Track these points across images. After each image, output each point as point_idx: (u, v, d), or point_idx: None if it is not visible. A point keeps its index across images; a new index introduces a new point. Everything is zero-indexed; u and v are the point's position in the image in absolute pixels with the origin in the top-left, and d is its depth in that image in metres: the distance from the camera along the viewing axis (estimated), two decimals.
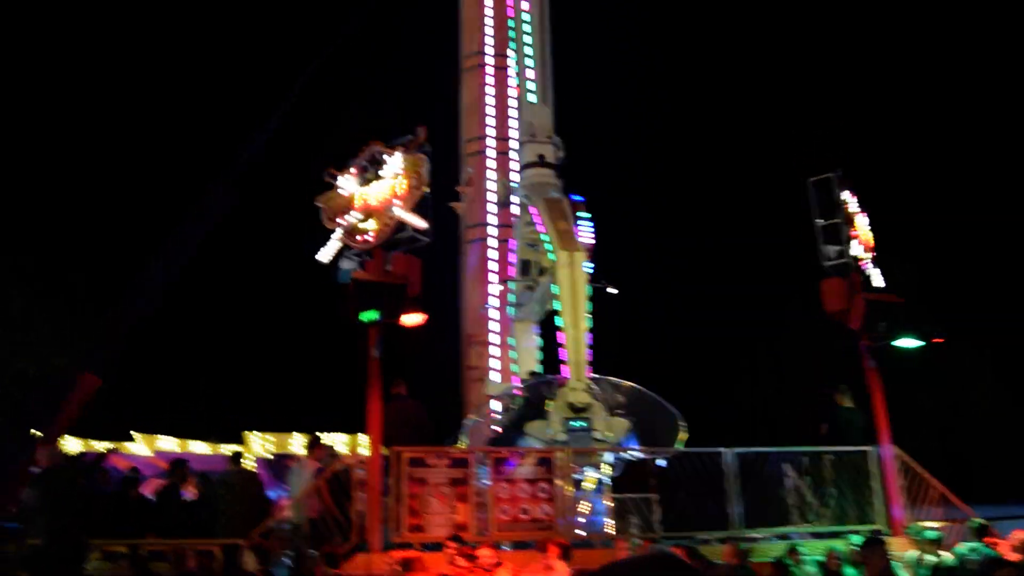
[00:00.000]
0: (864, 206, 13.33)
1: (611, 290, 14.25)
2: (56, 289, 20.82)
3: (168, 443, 21.76)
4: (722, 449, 11.49)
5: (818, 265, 12.61)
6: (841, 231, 12.61)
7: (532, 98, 15.26)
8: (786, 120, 29.50)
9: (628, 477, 11.85)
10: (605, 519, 11.95)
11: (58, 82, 27.05)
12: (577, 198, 14.06)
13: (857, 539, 10.21)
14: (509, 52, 16.10)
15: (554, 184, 14.03)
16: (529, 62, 15.84)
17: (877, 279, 13.02)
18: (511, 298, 15.60)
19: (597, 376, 12.79)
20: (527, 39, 15.95)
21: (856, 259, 12.66)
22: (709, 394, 28.65)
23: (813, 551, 10.06)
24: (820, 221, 12.67)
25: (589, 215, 14.22)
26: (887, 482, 11.73)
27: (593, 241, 13.85)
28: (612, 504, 13.69)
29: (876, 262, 13.16)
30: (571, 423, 11.55)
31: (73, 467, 10.72)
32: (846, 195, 12.95)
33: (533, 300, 14.97)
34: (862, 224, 13.16)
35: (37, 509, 10.32)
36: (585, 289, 12.24)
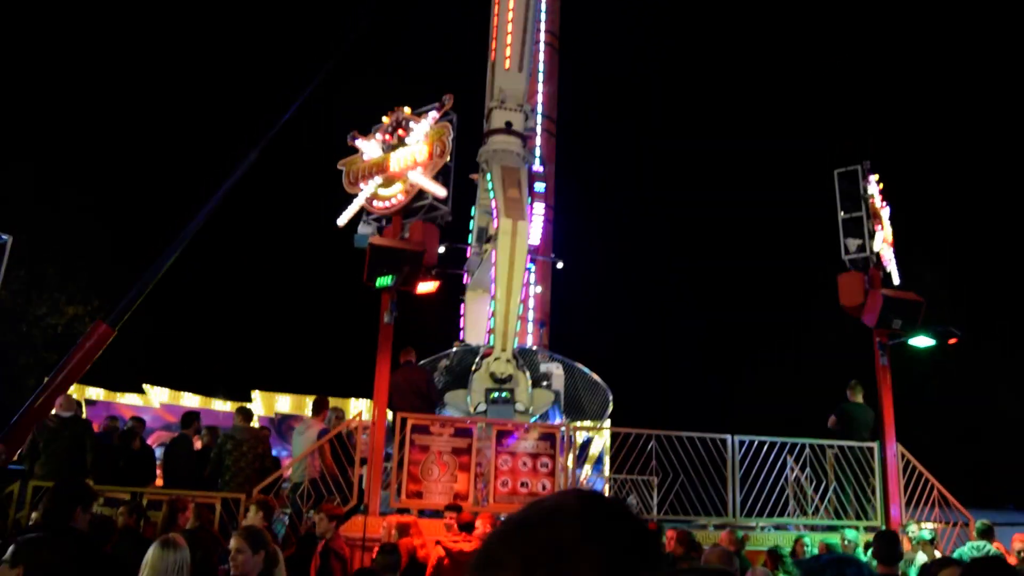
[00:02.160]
0: (892, 200, 13.21)
1: (559, 265, 14.23)
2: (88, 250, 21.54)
3: (170, 396, 21.81)
4: (727, 436, 11.49)
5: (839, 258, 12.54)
6: (864, 224, 12.49)
7: (507, 64, 14.93)
8: (819, 109, 29.32)
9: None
10: None
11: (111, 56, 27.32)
12: (538, 170, 13.94)
13: (852, 534, 10.22)
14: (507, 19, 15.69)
15: (518, 153, 13.78)
16: (508, 27, 15.62)
17: (897, 276, 12.94)
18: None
19: (528, 347, 12.70)
20: (510, 3, 15.75)
21: (877, 254, 12.55)
22: (723, 378, 28.75)
23: (812, 544, 10.06)
24: (843, 213, 12.56)
25: (544, 186, 14.09)
26: (888, 480, 11.70)
27: (542, 214, 13.70)
28: (609, 483, 13.83)
29: (899, 258, 13.08)
30: (492, 394, 11.42)
31: (82, 417, 10.81)
32: (872, 188, 12.82)
33: (484, 268, 14.69)
34: (886, 218, 13.04)
35: (47, 453, 10.48)
36: (523, 260, 11.99)
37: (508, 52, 15.00)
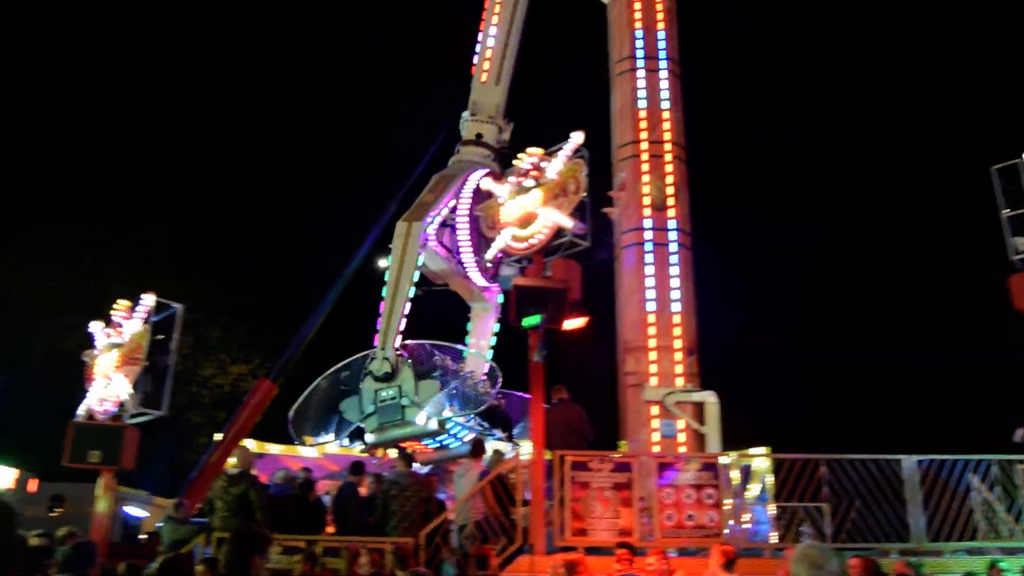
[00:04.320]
0: None
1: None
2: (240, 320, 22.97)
3: (334, 445, 22.57)
4: (902, 456, 10.87)
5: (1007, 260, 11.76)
6: None
7: (484, 77, 14.96)
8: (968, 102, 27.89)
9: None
10: (770, 528, 11.58)
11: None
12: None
13: None
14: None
15: (480, 163, 13.77)
16: (491, 42, 15.49)
17: None
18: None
19: (418, 342, 12.37)
20: (495, 19, 15.60)
21: None
22: (889, 398, 27.33)
23: (1013, 568, 9.34)
24: (1007, 211, 11.80)
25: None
26: None
27: (465, 221, 13.25)
28: (776, 512, 13.31)
29: None
30: (380, 393, 11.45)
31: (249, 472, 11.34)
32: None
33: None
34: None
35: (226, 506, 11.02)
36: (412, 261, 12.13)
37: (487, 66, 15.13)
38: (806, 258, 30.69)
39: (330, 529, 12.21)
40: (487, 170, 13.87)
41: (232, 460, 12.64)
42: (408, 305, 12.11)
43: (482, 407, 11.71)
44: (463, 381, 11.92)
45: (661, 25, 17.42)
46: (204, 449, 24.55)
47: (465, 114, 14.70)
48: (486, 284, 14.06)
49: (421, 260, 12.51)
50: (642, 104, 16.80)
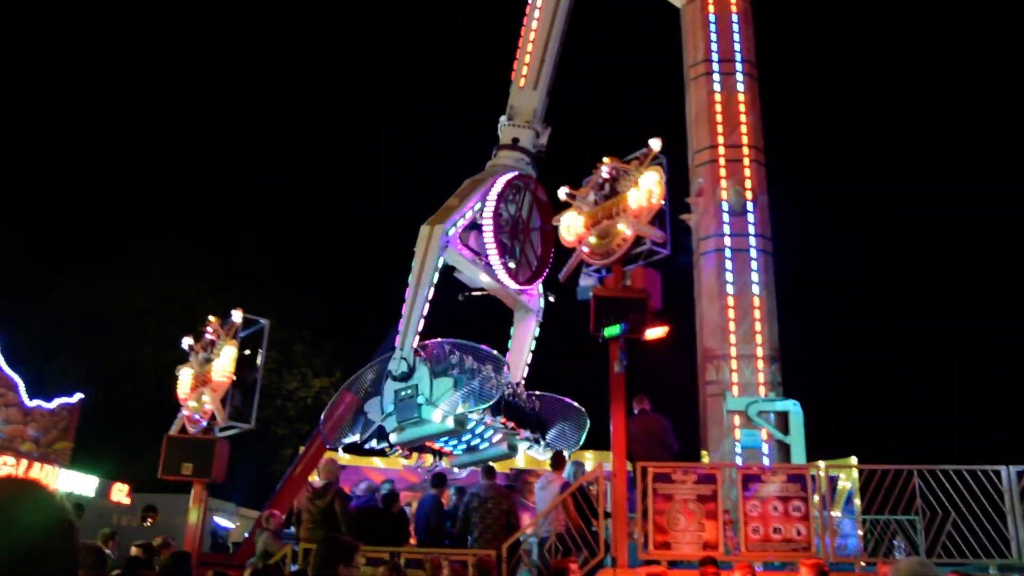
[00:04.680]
0: None
1: (551, 298, 14.23)
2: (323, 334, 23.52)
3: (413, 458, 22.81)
4: (1002, 467, 10.41)
5: None
6: None
7: (522, 82, 15.01)
8: None
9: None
10: (858, 542, 11.23)
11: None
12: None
13: None
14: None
15: (513, 167, 13.86)
16: (530, 47, 15.45)
17: None
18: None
19: (437, 341, 12.38)
20: (534, 24, 15.52)
21: None
22: (987, 406, 26.31)
23: None
24: None
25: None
26: None
27: (491, 223, 13.24)
28: (865, 525, 12.90)
29: None
30: (399, 393, 11.62)
31: (333, 484, 11.51)
32: None
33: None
34: None
35: (312, 517, 11.24)
36: (432, 264, 12.30)
37: (525, 71, 15.15)
38: (893, 261, 29.83)
39: (412, 541, 12.34)
40: (516, 172, 13.99)
41: (317, 472, 12.87)
42: (426, 306, 12.31)
43: (490, 401, 11.77)
44: (476, 378, 11.90)
45: (736, 27, 17.20)
46: (289, 461, 25.13)
47: (503, 118, 14.87)
48: (517, 287, 14.10)
49: (441, 263, 12.67)
50: (718, 108, 16.61)
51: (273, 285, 28.30)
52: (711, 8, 17.32)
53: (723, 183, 16.07)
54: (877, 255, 30.31)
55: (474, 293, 14.26)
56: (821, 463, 11.96)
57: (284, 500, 15.19)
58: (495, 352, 12.58)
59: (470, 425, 12.18)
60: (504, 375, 12.16)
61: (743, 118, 16.60)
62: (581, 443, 13.88)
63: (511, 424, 12.80)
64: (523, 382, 14.28)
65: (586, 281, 10.99)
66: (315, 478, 14.63)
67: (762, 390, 15.07)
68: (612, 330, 10.17)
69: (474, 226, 13.48)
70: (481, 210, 13.27)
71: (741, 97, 16.71)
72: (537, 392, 14.04)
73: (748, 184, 16.00)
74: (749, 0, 17.67)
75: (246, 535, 18.10)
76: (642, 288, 10.50)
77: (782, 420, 14.69)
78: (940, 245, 29.72)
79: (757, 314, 15.48)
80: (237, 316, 12.77)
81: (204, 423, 12.47)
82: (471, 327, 14.08)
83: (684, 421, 15.74)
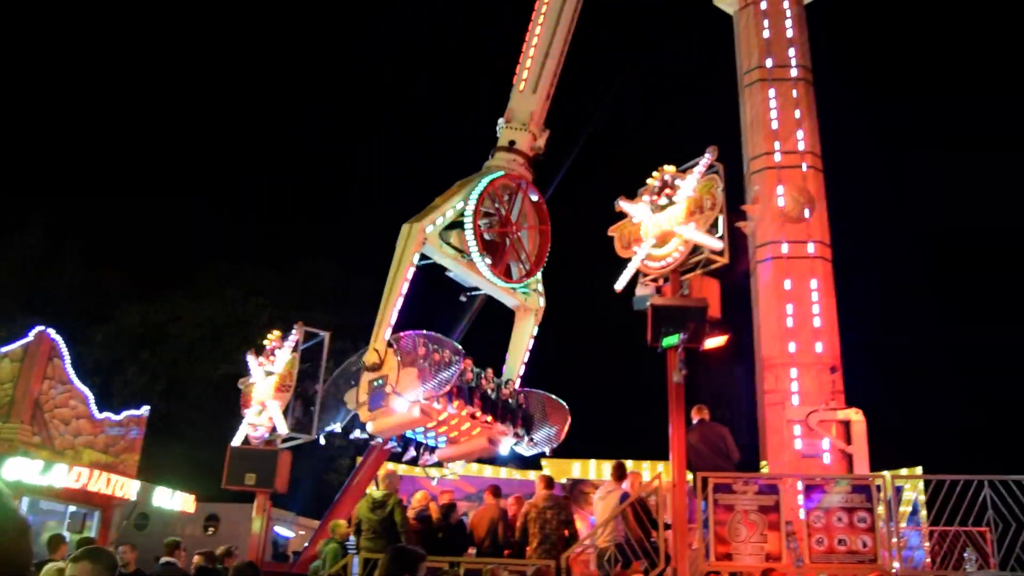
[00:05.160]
0: None
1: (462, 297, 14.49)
2: None
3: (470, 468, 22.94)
4: None
5: None
6: None
7: (523, 86, 15.31)
8: None
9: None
10: (924, 554, 10.97)
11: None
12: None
13: None
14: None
15: (504, 168, 14.29)
16: (532, 51, 15.68)
17: None
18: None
19: (409, 333, 12.69)
20: (538, 29, 15.75)
21: None
22: None
23: None
24: None
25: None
26: None
27: (471, 221, 13.58)
28: (933, 537, 12.59)
29: None
30: (372, 383, 12.11)
31: (393, 495, 11.61)
32: None
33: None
34: None
35: (372, 528, 11.34)
36: (407, 261, 12.74)
37: (526, 75, 15.44)
38: (959, 264, 29.11)
39: (471, 551, 12.39)
40: (503, 173, 14.42)
41: (376, 483, 13.04)
42: (400, 300, 12.85)
43: (444, 387, 12.30)
44: (436, 367, 12.40)
45: (790, 33, 17.04)
46: (346, 471, 25.40)
47: (501, 120, 15.22)
48: (503, 283, 14.49)
49: (416, 259, 13.14)
50: (773, 115, 16.46)
51: (333, 300, 28.72)
52: (764, 14, 17.19)
53: (779, 189, 15.90)
54: (943, 259, 29.58)
55: (472, 293, 14.82)
56: (886, 473, 11.70)
57: (343, 510, 15.38)
58: (458, 345, 13.20)
59: (440, 416, 12.69)
60: (459, 364, 12.70)
61: (799, 124, 16.42)
62: (562, 438, 14.51)
63: (487, 417, 13.43)
64: (519, 380, 14.79)
65: (643, 291, 10.94)
66: (373, 488, 14.81)
67: (823, 399, 14.83)
68: (670, 340, 10.09)
69: (457, 224, 13.93)
70: (463, 209, 13.73)
71: (796, 103, 16.53)
72: (526, 389, 14.65)
73: (805, 190, 15.81)
74: (803, 5, 17.49)
75: (306, 545, 18.36)
76: (701, 297, 10.41)
77: (844, 429, 14.46)
78: (1007, 250, 28.92)
79: (816, 321, 15.26)
80: (298, 329, 13.00)
81: (266, 435, 12.69)
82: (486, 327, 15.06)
83: (743, 431, 15.58)
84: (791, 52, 16.97)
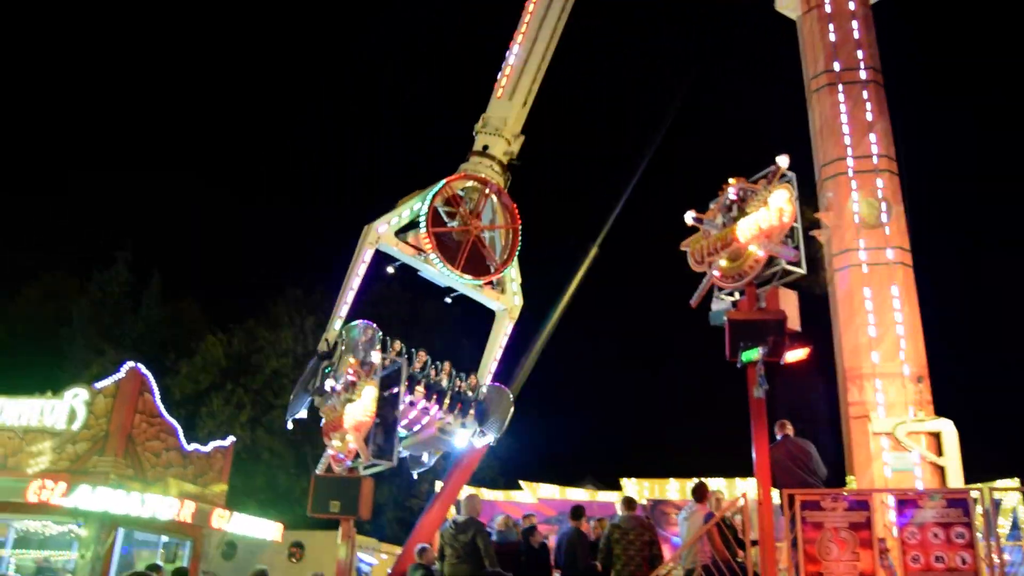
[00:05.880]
0: None
1: (389, 269, 14.98)
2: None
3: (550, 490, 22.88)
4: None
5: None
6: None
7: (500, 92, 15.69)
8: None
9: None
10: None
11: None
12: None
13: None
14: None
15: (473, 171, 14.96)
16: (512, 59, 15.95)
17: None
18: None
19: (362, 323, 13.68)
20: (520, 38, 16.08)
21: None
22: None
23: None
24: None
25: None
26: None
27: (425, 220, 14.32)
28: None
29: None
30: (324, 371, 13.35)
31: (475, 519, 11.62)
32: None
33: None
34: None
35: (455, 552, 11.36)
36: (360, 258, 13.89)
37: (504, 82, 15.83)
38: None
39: (555, 574, 12.32)
40: (463, 174, 15.12)
41: (456, 507, 13.11)
42: (351, 294, 13.89)
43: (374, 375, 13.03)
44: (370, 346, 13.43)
45: (857, 34, 16.69)
46: (425, 496, 25.56)
47: (477, 125, 15.75)
48: (470, 281, 15.14)
49: (369, 255, 14.05)
50: (844, 119, 16.11)
51: (401, 322, 29.01)
52: (829, 17, 16.88)
53: (854, 195, 15.53)
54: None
55: (452, 294, 15.51)
56: (983, 486, 11.24)
57: (424, 535, 15.49)
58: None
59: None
60: (381, 346, 13.54)
61: (871, 127, 16.03)
62: (507, 424, 15.20)
63: (433, 407, 14.28)
64: (489, 375, 15.64)
65: (719, 306, 10.77)
66: (453, 513, 14.87)
67: (910, 409, 14.37)
68: (750, 354, 9.89)
69: (416, 224, 14.61)
70: (419, 209, 14.43)
71: (867, 106, 16.16)
72: (488, 384, 15.45)
73: (881, 195, 15.41)
74: (869, 5, 17.12)
75: (389, 571, 18.50)
76: (778, 309, 10.20)
77: (934, 441, 13.98)
78: None
79: (900, 330, 14.81)
80: (376, 358, 13.21)
81: (349, 462, 12.86)
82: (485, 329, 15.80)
83: (828, 446, 15.16)
84: (859, 54, 16.61)
